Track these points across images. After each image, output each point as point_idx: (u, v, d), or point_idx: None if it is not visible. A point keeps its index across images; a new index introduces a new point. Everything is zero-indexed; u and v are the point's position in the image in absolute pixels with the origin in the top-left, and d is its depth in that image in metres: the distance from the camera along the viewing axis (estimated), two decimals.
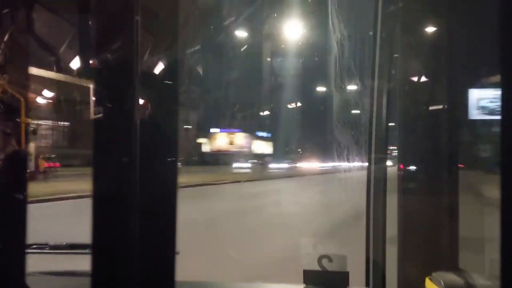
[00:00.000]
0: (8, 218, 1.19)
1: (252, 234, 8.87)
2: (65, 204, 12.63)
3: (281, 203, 15.00)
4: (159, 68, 1.13)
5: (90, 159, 1.08)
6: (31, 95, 1.37)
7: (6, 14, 1.23)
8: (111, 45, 1.06)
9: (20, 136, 1.27)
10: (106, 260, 1.08)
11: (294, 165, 47.22)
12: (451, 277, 1.37)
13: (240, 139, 48.72)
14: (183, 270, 1.22)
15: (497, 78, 0.76)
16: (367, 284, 1.71)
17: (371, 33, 1.79)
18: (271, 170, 40.63)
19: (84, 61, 1.19)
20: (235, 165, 38.39)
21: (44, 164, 21.05)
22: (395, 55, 1.73)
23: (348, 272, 1.57)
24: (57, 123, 33.71)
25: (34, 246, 1.66)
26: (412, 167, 1.64)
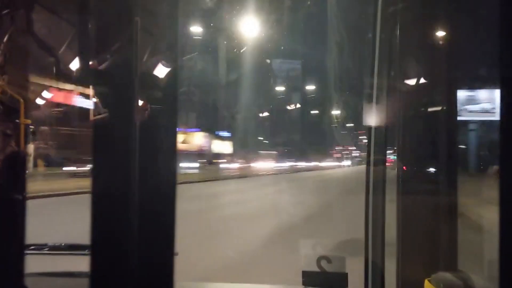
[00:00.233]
0: (7, 219, 1.19)
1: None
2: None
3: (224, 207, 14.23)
4: (158, 68, 1.13)
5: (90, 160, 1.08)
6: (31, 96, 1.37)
7: (5, 15, 1.23)
8: (110, 46, 1.06)
9: (20, 137, 1.27)
10: (105, 261, 1.08)
11: (249, 165, 46.71)
12: (450, 278, 1.37)
13: (199, 138, 47.93)
14: None
15: (496, 78, 0.76)
16: (366, 285, 1.71)
17: (370, 34, 1.80)
18: (225, 170, 39.81)
19: (83, 62, 1.19)
20: (182, 165, 37.19)
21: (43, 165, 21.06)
22: (394, 56, 1.73)
23: (346, 273, 1.57)
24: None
25: (33, 247, 1.66)
26: (411, 169, 1.64)
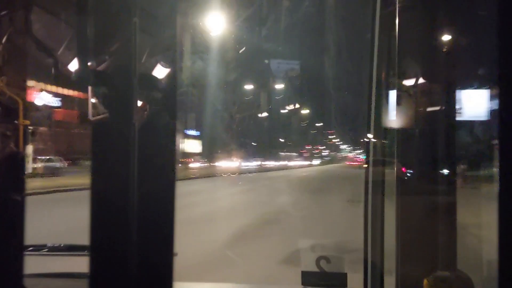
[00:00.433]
0: (6, 220, 1.19)
1: None
2: None
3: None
4: (157, 69, 1.13)
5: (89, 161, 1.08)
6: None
7: (4, 16, 1.23)
8: (109, 46, 1.06)
9: (18, 138, 1.27)
10: (104, 262, 1.08)
11: (215, 164, 45.85)
12: (449, 278, 1.37)
13: None
14: None
15: (495, 78, 0.77)
16: (365, 285, 1.71)
17: (368, 34, 1.80)
18: (189, 170, 37.59)
19: (82, 63, 1.19)
20: None
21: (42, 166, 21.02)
22: (393, 57, 1.73)
23: (346, 274, 1.57)
24: None
25: (32, 248, 1.66)
26: (410, 169, 1.64)
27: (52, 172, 23.76)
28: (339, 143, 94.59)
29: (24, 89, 1.34)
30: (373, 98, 1.81)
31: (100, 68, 1.07)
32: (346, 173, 40.42)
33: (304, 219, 10.59)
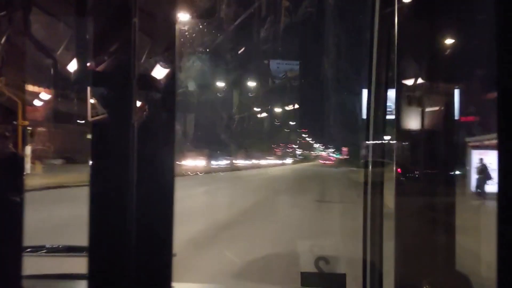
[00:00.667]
0: (5, 221, 1.18)
1: None
2: None
3: None
4: (156, 69, 1.13)
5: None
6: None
7: (3, 17, 1.23)
8: (108, 47, 1.06)
9: (17, 139, 1.27)
10: (103, 263, 1.08)
11: (178, 163, 44.48)
12: (448, 279, 1.37)
13: None
14: None
15: (494, 78, 0.77)
16: (364, 286, 1.70)
17: (368, 35, 1.80)
18: None
19: (81, 63, 1.19)
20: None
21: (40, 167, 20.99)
22: (392, 57, 1.73)
23: (345, 274, 1.57)
24: None
25: (31, 249, 1.65)
26: (409, 170, 1.64)
27: None
28: (313, 141, 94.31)
29: (23, 89, 1.34)
30: (372, 99, 1.81)
31: (99, 68, 1.07)
32: (318, 171, 39.62)
33: (264, 223, 9.55)
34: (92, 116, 1.08)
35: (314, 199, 14.53)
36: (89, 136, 1.09)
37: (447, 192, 1.60)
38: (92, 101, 1.08)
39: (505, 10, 0.77)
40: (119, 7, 1.06)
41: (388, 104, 1.81)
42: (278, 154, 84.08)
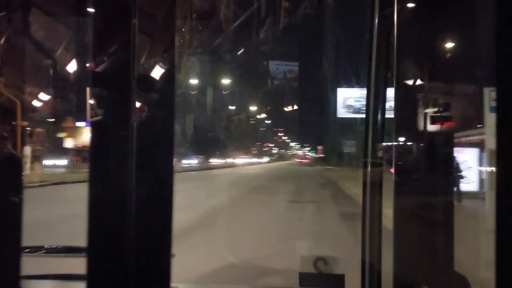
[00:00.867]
0: (3, 221, 1.18)
1: None
2: None
3: None
4: (155, 70, 1.13)
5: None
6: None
7: (3, 17, 1.23)
8: (108, 48, 1.06)
9: (16, 139, 1.27)
10: (102, 263, 1.08)
11: None
12: (447, 279, 1.37)
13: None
14: None
15: (494, 79, 0.77)
16: (363, 287, 1.70)
17: (367, 35, 1.80)
18: None
19: (81, 63, 1.19)
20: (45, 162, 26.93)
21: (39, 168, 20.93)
22: (391, 57, 1.73)
23: (343, 275, 1.57)
24: None
25: (29, 249, 1.65)
26: (407, 170, 1.64)
27: None
28: (288, 140, 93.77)
29: (22, 90, 1.34)
30: (372, 99, 1.81)
31: (98, 69, 1.07)
32: (293, 170, 38.82)
33: (232, 225, 8.90)
34: (91, 117, 1.08)
35: (287, 199, 14.33)
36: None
37: (446, 192, 1.60)
38: (91, 101, 1.08)
39: (505, 10, 0.77)
40: (118, 8, 1.06)
41: (388, 104, 1.81)
42: (253, 152, 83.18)
